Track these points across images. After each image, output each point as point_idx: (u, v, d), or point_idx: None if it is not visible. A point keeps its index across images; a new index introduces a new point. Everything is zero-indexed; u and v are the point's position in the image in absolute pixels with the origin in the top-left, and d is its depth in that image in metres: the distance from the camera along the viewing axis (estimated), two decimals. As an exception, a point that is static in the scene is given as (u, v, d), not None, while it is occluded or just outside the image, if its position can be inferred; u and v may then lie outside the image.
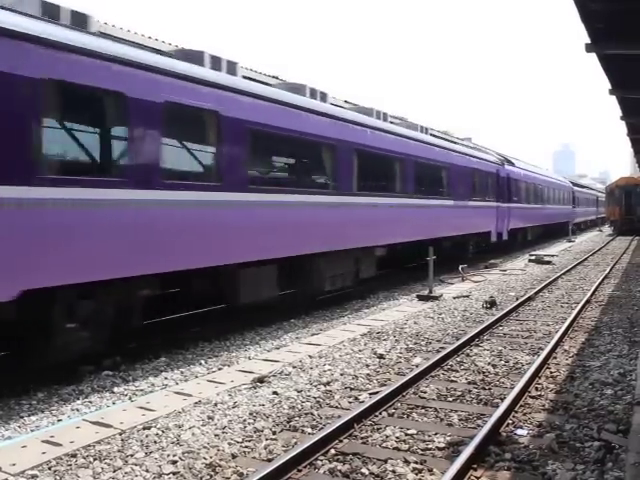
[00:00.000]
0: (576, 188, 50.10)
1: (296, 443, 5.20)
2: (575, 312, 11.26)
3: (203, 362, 8.44)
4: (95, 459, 4.89)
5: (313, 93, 12.52)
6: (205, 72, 8.99)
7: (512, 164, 27.51)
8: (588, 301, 13.07)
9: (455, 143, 22.53)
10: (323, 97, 12.97)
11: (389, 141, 14.69)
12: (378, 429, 5.60)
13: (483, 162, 22.51)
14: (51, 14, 7.30)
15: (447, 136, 25.51)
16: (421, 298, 13.56)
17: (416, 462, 4.82)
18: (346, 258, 12.85)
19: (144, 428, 5.56)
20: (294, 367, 7.73)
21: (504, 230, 24.34)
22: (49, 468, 4.73)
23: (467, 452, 4.74)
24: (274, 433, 5.51)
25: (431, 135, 19.48)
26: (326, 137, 11.89)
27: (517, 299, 13.22)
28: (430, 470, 4.71)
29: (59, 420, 6.14)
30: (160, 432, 5.48)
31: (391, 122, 16.36)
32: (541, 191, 33.12)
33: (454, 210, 18.89)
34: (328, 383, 7.07)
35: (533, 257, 23.39)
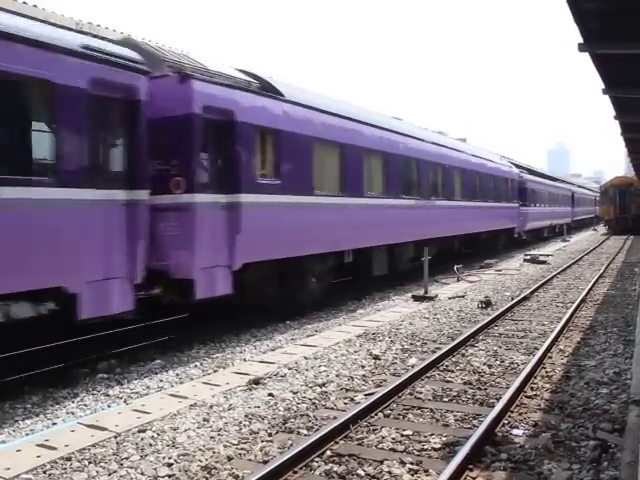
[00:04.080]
0: (529, 177, 33.46)
1: (292, 445, 5.19)
2: (570, 311, 11.28)
3: (198, 364, 8.42)
4: (90, 462, 4.87)
5: None
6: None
7: (265, 91, 10.89)
8: (583, 300, 13.10)
9: None
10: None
11: None
12: (374, 430, 5.60)
13: None
14: None
15: None
16: (416, 299, 13.56)
17: (412, 463, 4.82)
18: None
19: (139, 431, 5.55)
20: (289, 368, 7.72)
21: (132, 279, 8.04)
22: (44, 472, 4.72)
23: (463, 452, 4.75)
24: (270, 435, 5.50)
25: None
26: None
27: (512, 299, 13.24)
28: (426, 471, 4.71)
29: (54, 424, 6.11)
30: (155, 435, 5.47)
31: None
32: (409, 169, 16.40)
33: None
34: (324, 384, 7.06)
35: (528, 257, 23.44)
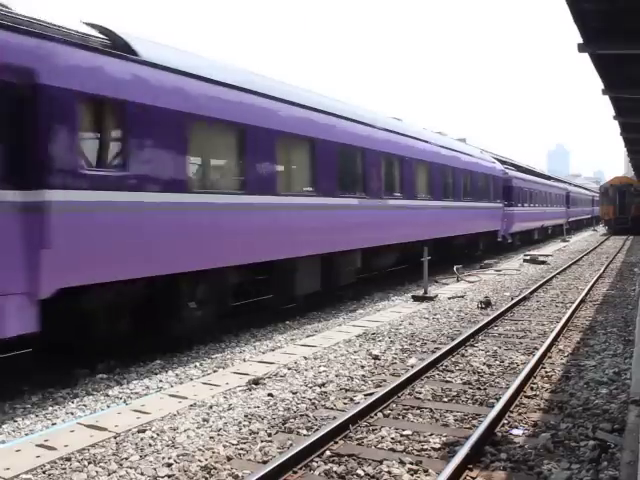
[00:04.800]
0: (516, 174, 30.32)
1: (291, 445, 5.19)
2: (570, 312, 11.29)
3: (198, 364, 8.42)
4: (90, 463, 4.87)
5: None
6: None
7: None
8: (583, 300, 13.10)
9: None
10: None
11: None
12: (373, 430, 5.59)
13: None
14: None
15: None
16: (416, 299, 13.56)
17: (412, 463, 4.81)
18: None
19: (139, 431, 5.54)
20: (289, 369, 7.72)
21: None
22: (43, 472, 4.71)
23: (462, 452, 4.74)
24: (269, 435, 5.50)
25: None
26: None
27: (512, 299, 13.25)
28: (426, 471, 4.70)
29: (53, 424, 6.11)
30: (155, 435, 5.46)
31: None
32: (349, 161, 13.14)
33: None
34: (323, 384, 7.06)
35: (528, 257, 23.44)
